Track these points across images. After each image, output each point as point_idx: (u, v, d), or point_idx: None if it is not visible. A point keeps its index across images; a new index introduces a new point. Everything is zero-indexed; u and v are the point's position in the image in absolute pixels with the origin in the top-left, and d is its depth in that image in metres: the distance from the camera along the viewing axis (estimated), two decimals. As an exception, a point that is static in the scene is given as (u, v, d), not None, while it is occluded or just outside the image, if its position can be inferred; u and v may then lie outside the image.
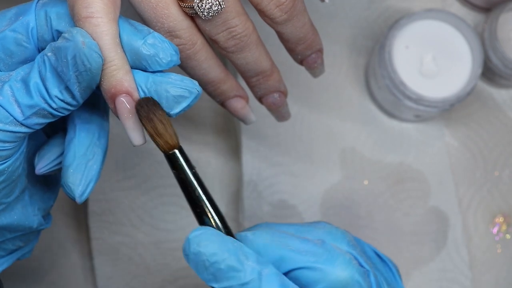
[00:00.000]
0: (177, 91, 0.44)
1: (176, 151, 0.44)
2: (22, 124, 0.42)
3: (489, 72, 0.71)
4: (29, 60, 0.45)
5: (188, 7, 0.47)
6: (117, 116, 0.44)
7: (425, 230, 0.70)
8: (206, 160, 0.72)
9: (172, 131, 0.44)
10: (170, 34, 0.47)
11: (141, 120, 0.43)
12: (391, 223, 0.70)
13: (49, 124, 0.48)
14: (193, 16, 0.48)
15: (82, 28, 0.42)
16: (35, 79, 0.42)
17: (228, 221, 0.70)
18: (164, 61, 0.44)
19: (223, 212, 0.71)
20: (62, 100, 0.42)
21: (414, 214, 0.70)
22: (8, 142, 0.42)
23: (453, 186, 0.70)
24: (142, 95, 0.44)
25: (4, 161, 0.43)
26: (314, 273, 0.43)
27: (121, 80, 0.43)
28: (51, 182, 0.51)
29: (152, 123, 0.43)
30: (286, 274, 0.44)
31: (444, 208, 0.70)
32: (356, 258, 0.45)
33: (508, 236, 0.70)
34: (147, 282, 0.70)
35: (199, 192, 0.45)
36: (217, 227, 0.45)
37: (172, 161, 0.45)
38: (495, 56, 0.68)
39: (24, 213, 0.48)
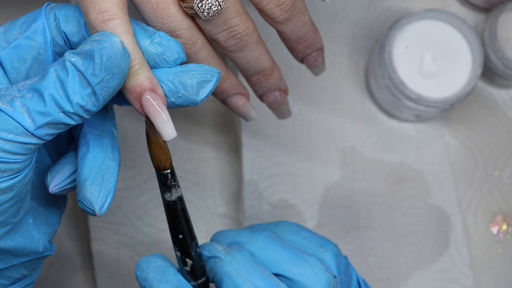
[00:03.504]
0: (200, 77, 0.45)
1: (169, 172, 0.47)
2: (33, 135, 0.41)
3: (489, 72, 0.71)
4: (42, 66, 0.45)
5: (188, 7, 0.47)
6: (145, 115, 0.44)
7: (425, 230, 0.70)
8: (206, 160, 0.72)
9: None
10: (170, 34, 0.48)
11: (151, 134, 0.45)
12: (391, 223, 0.70)
13: (55, 145, 0.48)
14: (193, 16, 0.48)
15: (105, 30, 0.43)
16: (50, 87, 0.41)
17: (229, 221, 0.71)
18: (171, 58, 0.45)
19: (223, 212, 0.71)
20: (82, 107, 0.41)
21: (414, 214, 0.70)
22: (19, 154, 0.41)
23: (453, 186, 0.70)
24: (166, 89, 0.45)
25: (15, 175, 0.42)
26: None
27: (145, 77, 0.43)
28: (54, 206, 0.50)
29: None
30: None
31: (444, 208, 0.70)
32: None
33: (508, 236, 0.70)
34: (147, 282, 0.70)
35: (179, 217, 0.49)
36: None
37: (166, 179, 0.47)
38: (495, 56, 0.68)
39: (28, 236, 0.47)
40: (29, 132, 0.41)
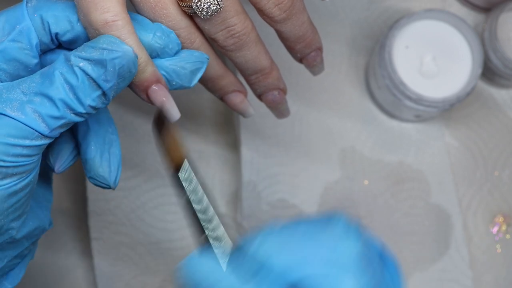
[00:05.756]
0: (192, 66, 0.47)
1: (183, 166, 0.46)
2: (47, 137, 0.42)
3: (489, 72, 0.71)
4: (30, 67, 0.45)
5: (187, 6, 0.47)
6: (152, 103, 0.47)
7: (425, 230, 0.70)
8: (206, 160, 0.72)
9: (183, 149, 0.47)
10: None
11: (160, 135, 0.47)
12: (391, 223, 0.70)
13: None
14: (192, 15, 0.48)
15: (109, 32, 0.43)
16: (60, 92, 0.42)
17: (228, 221, 0.71)
18: (173, 50, 0.47)
19: (223, 212, 0.71)
20: (93, 107, 0.43)
21: (414, 214, 0.70)
22: (33, 155, 0.42)
23: (453, 186, 0.70)
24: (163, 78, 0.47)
25: (31, 173, 0.43)
26: (323, 283, 0.42)
27: (151, 72, 0.46)
28: (45, 180, 0.51)
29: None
30: (294, 282, 0.43)
31: (444, 208, 0.70)
32: (366, 268, 0.45)
33: (508, 236, 0.70)
34: (147, 282, 0.70)
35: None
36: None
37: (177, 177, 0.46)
38: (495, 56, 0.68)
39: (36, 217, 0.48)
40: (44, 136, 0.42)
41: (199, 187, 0.46)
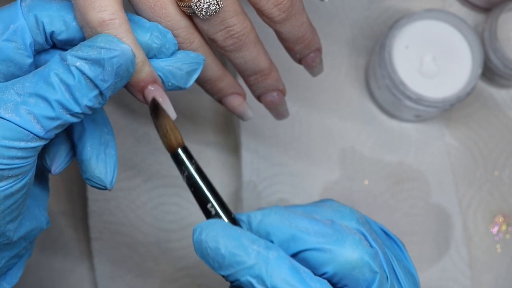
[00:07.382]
0: (188, 67, 0.47)
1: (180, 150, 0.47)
2: (43, 138, 0.42)
3: (489, 72, 0.71)
4: (24, 67, 0.45)
5: (186, 6, 0.47)
6: (148, 103, 0.46)
7: (425, 230, 0.70)
8: (206, 161, 0.72)
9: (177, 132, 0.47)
10: None
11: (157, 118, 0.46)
12: (391, 223, 0.70)
13: None
14: (191, 15, 0.48)
15: (106, 31, 0.43)
16: (56, 92, 0.41)
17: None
18: (170, 50, 0.47)
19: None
20: (89, 107, 0.42)
21: (414, 214, 0.70)
22: (29, 157, 0.42)
23: (453, 186, 0.70)
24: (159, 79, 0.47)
25: (26, 175, 0.43)
26: (324, 254, 0.43)
27: (148, 72, 0.45)
28: (42, 179, 0.51)
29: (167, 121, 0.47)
30: (295, 255, 0.44)
31: (444, 208, 0.70)
32: (365, 236, 0.45)
33: (508, 236, 0.70)
34: (147, 282, 0.70)
35: (200, 185, 0.47)
36: (220, 217, 0.46)
37: (177, 158, 0.47)
38: (495, 56, 0.68)
39: (33, 217, 0.48)
40: (39, 137, 0.42)
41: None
